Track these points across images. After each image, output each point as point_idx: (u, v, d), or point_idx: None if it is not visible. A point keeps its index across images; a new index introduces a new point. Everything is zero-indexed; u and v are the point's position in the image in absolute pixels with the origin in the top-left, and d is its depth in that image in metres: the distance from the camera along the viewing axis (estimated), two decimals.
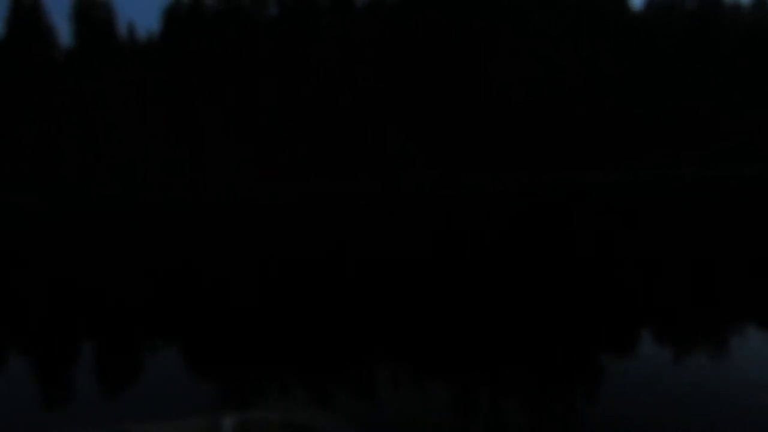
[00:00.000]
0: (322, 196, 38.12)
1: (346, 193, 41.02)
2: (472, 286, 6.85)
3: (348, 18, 67.22)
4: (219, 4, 69.16)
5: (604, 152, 69.24)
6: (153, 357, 4.66)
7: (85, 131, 68.87)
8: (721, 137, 70.93)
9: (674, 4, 71.21)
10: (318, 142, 67.56)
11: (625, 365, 4.04)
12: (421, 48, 66.17)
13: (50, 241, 15.06)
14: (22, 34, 66.52)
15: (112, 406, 3.71)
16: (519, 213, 18.02)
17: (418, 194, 35.66)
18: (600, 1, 68.92)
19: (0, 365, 4.66)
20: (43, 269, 9.83)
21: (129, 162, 69.48)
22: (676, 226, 12.67)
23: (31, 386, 4.15)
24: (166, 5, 67.64)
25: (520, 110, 66.78)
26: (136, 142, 69.45)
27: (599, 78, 67.34)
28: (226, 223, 18.45)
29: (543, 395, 3.59)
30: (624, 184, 42.29)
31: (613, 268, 7.69)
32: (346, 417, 3.37)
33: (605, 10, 68.33)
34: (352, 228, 15.05)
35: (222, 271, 8.69)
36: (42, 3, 66.97)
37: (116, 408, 3.68)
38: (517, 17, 66.53)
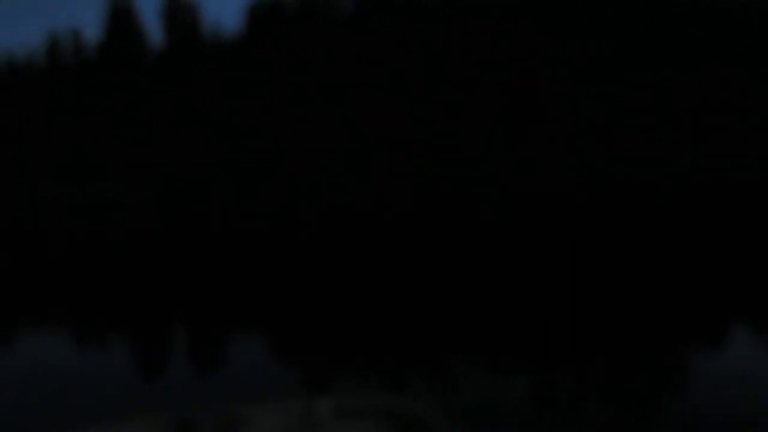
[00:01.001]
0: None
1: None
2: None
3: (422, 15, 66.79)
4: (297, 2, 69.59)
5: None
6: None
7: (179, 130, 68.77)
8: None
9: None
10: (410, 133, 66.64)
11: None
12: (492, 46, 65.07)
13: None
14: (117, 36, 69.40)
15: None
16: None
17: None
18: None
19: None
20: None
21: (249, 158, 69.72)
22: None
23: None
24: (248, 4, 68.83)
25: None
26: (231, 140, 69.24)
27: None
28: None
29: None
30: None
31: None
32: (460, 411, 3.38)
33: None
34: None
35: None
36: (135, 6, 70.23)
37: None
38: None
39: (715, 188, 24.75)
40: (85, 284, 8.40)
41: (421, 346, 4.69)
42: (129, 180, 71.82)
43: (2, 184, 73.04)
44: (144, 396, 3.93)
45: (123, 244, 13.32)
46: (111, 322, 6.03)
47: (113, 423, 3.29)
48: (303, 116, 70.36)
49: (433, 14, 69.61)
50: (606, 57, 63.93)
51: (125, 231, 16.73)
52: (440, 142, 65.51)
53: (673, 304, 5.72)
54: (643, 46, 65.06)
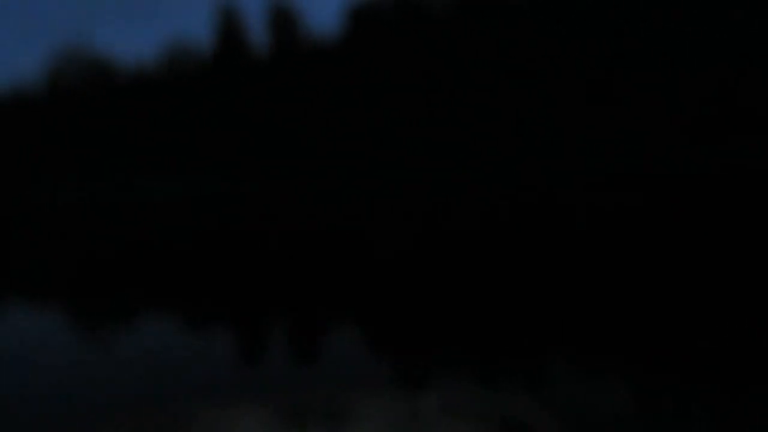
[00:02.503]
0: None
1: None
2: None
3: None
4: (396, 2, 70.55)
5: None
6: None
7: (286, 133, 71.85)
8: None
9: None
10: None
11: None
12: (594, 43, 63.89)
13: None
14: (227, 44, 72.41)
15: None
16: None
17: None
18: None
19: None
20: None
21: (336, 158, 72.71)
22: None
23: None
24: (349, 4, 69.79)
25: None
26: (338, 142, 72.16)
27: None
28: None
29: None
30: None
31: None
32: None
33: None
34: None
35: None
36: (241, 11, 72.59)
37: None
38: None
39: None
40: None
41: (525, 345, 4.68)
42: (242, 178, 74.39)
43: (127, 181, 77.69)
44: (249, 383, 4.09)
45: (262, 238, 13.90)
46: (222, 312, 6.38)
47: (222, 406, 3.44)
48: (406, 117, 70.50)
49: (524, 9, 67.96)
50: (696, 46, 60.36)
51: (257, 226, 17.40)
52: (544, 138, 63.85)
53: None
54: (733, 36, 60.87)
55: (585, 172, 56.59)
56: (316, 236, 14.15)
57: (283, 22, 72.43)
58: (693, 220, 13.37)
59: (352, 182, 67.82)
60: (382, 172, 70.69)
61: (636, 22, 63.60)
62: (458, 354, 4.59)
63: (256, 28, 74.47)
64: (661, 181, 32.41)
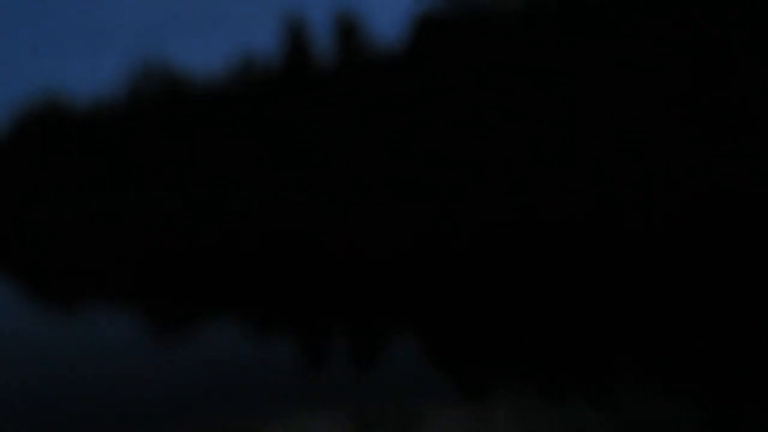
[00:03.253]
0: None
1: None
2: None
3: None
4: (460, 8, 71.16)
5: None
6: None
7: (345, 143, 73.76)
8: None
9: None
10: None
11: None
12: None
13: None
14: (294, 55, 73.84)
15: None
16: None
17: None
18: None
19: None
20: None
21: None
22: None
23: None
24: (414, 13, 70.06)
25: None
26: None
27: None
28: None
29: None
30: None
31: None
32: None
33: None
34: None
35: None
36: (307, 21, 74.48)
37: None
38: None
39: None
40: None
41: (592, 355, 4.58)
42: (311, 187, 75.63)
43: (201, 191, 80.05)
44: (312, 391, 4.12)
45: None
46: (286, 317, 6.47)
47: (293, 414, 3.49)
48: (473, 127, 70.16)
49: (594, 18, 66.53)
50: None
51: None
52: (628, 143, 62.23)
53: None
54: None
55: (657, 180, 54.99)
56: (380, 245, 14.22)
57: (349, 32, 73.26)
58: (740, 229, 12.78)
59: (417, 192, 67.78)
60: (449, 182, 70.44)
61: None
62: (522, 364, 4.53)
63: (322, 38, 75.49)
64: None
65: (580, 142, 64.83)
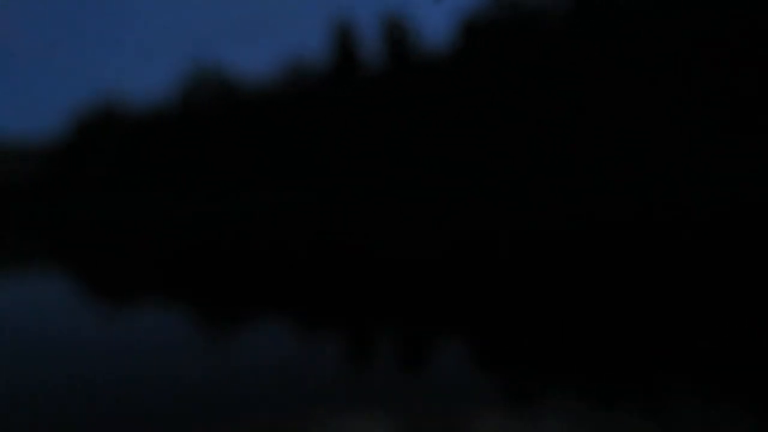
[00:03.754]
0: None
1: None
2: None
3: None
4: (506, 11, 70.94)
5: None
6: None
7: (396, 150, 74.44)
8: None
9: None
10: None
11: None
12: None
13: None
14: (343, 59, 74.49)
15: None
16: None
17: None
18: None
19: None
20: None
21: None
22: None
23: None
24: (461, 16, 70.15)
25: None
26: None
27: None
28: None
29: None
30: None
31: None
32: None
33: None
34: None
35: None
36: (356, 25, 74.81)
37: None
38: None
39: None
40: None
41: (644, 363, 4.48)
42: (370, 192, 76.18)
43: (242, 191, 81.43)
44: (358, 393, 4.14)
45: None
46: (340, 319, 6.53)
47: (334, 415, 3.50)
48: (522, 129, 69.53)
49: (642, 22, 64.88)
50: None
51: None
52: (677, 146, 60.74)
53: None
54: None
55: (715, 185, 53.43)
56: (429, 247, 14.19)
57: (396, 35, 73.42)
58: None
59: (466, 193, 67.47)
60: (499, 183, 69.93)
61: None
62: (572, 370, 4.46)
63: (370, 42, 75.80)
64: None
65: (629, 143, 63.44)
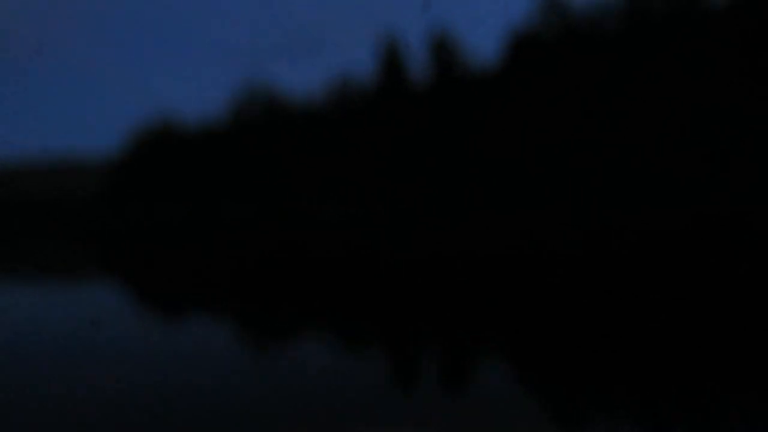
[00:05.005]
0: None
1: None
2: None
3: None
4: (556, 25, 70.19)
5: None
6: None
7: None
8: None
9: None
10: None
11: None
12: None
13: None
14: (391, 76, 75.24)
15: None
16: None
17: None
18: None
19: None
20: None
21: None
22: None
23: None
24: (509, 31, 70.16)
25: None
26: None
27: None
28: None
29: None
30: None
31: None
32: None
33: None
34: None
35: None
36: (403, 42, 75.60)
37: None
38: None
39: None
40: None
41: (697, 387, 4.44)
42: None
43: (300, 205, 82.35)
44: (402, 410, 4.18)
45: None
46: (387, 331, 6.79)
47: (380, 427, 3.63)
48: (570, 147, 68.42)
49: (692, 38, 62.93)
50: None
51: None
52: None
53: None
54: None
55: None
56: (482, 261, 14.26)
57: (444, 51, 73.34)
58: None
59: (514, 209, 66.90)
60: (547, 199, 69.07)
61: None
62: (622, 392, 4.45)
63: (418, 58, 76.11)
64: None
65: (677, 153, 61.79)
